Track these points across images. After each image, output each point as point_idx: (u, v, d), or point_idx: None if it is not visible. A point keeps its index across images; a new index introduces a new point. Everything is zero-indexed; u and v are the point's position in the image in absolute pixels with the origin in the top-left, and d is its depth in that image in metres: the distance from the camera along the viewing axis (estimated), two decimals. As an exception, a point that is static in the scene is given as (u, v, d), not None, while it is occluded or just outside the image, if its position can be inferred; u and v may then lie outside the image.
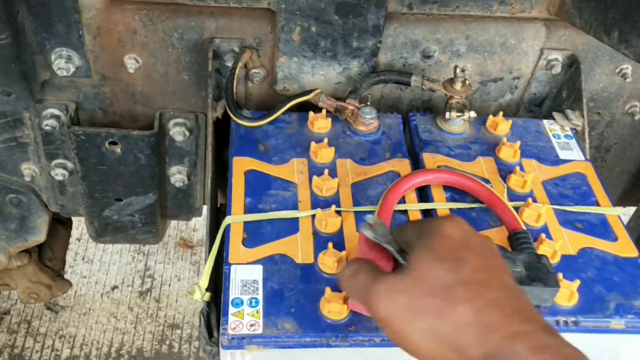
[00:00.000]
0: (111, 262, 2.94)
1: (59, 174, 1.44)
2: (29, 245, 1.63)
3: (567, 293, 1.00)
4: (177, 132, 1.39)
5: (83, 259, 2.94)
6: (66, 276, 1.97)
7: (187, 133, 1.40)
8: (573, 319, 1.00)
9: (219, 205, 1.35)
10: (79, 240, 2.99)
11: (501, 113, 1.32)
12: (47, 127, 1.35)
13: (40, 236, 1.60)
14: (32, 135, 1.40)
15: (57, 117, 1.35)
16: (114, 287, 2.85)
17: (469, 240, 0.79)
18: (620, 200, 1.73)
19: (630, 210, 1.72)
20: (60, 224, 1.81)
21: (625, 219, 1.29)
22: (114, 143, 1.35)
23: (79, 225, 2.99)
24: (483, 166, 1.23)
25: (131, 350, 2.63)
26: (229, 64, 1.30)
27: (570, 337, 0.99)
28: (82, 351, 2.60)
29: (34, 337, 2.64)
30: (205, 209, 1.58)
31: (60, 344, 2.62)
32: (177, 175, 1.49)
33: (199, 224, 3.13)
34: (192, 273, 2.94)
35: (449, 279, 0.74)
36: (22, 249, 1.65)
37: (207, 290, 1.10)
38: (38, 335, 2.65)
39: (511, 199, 1.16)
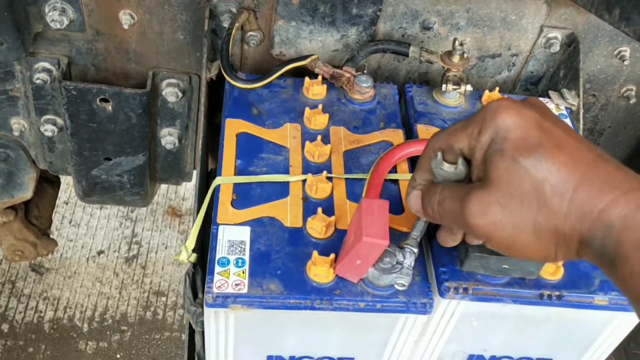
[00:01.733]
0: (98, 226, 2.93)
1: (48, 129, 1.43)
2: (15, 202, 1.62)
3: (553, 267, 1.00)
4: (170, 92, 1.38)
5: (70, 222, 2.92)
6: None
7: (180, 94, 1.39)
8: (557, 293, 1.00)
9: (209, 170, 1.34)
10: (67, 203, 2.97)
11: (497, 89, 1.31)
12: (38, 81, 1.33)
13: (27, 193, 1.59)
14: (22, 89, 1.38)
15: (48, 71, 1.33)
16: (100, 252, 2.84)
17: (537, 126, 0.75)
18: (610, 185, 1.74)
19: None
20: (48, 183, 1.80)
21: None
22: (105, 100, 1.33)
23: (67, 189, 2.98)
24: (476, 140, 1.22)
25: (115, 315, 2.63)
26: (226, 24, 1.28)
27: (555, 311, 1.01)
28: (65, 314, 2.60)
29: (18, 297, 2.63)
30: (195, 174, 1.57)
31: (44, 306, 2.62)
32: (168, 137, 1.47)
33: (188, 193, 3.12)
34: (179, 242, 2.94)
35: (532, 179, 0.72)
36: (8, 205, 1.63)
37: (193, 251, 1.10)
38: (22, 296, 2.64)
39: (503, 174, 1.15)
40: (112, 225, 2.93)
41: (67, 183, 2.88)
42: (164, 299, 2.70)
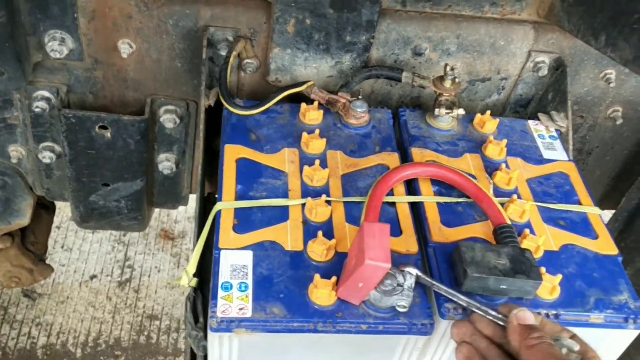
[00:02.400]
0: (91, 251, 2.92)
1: (46, 156, 1.44)
2: (12, 228, 1.62)
3: (549, 287, 1.03)
4: (168, 119, 1.40)
5: (62, 247, 2.91)
6: (46, 263, 1.96)
7: (178, 120, 1.41)
8: (554, 312, 1.02)
9: (206, 194, 1.35)
10: (59, 228, 2.96)
11: (488, 112, 1.34)
12: (37, 109, 1.34)
13: (24, 219, 1.59)
14: (21, 117, 1.39)
15: (47, 100, 1.35)
16: (93, 276, 2.83)
17: None
18: (600, 203, 1.76)
19: (610, 213, 1.76)
20: (43, 209, 1.80)
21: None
22: (104, 127, 1.35)
23: (59, 213, 2.97)
24: (470, 162, 1.26)
25: (109, 339, 2.62)
26: (223, 52, 1.31)
27: (551, 330, 1.03)
28: (58, 339, 2.59)
29: (10, 323, 2.61)
30: (191, 198, 1.58)
31: (36, 332, 2.60)
32: (166, 162, 1.49)
33: (180, 216, 3.12)
34: (172, 265, 2.93)
35: None
36: (5, 232, 1.64)
37: (194, 276, 1.11)
38: (14, 322, 2.62)
39: (496, 195, 1.18)
40: (104, 249, 2.92)
41: (58, 207, 2.87)
42: (157, 322, 2.70)
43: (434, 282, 0.99)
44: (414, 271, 0.99)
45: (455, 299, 0.98)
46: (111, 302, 2.75)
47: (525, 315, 0.90)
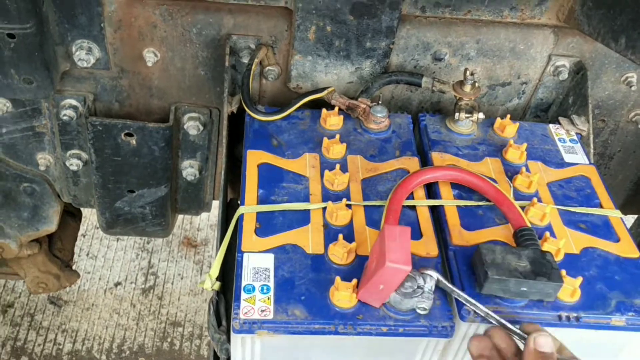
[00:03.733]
0: (115, 258, 2.96)
1: (73, 164, 1.47)
2: (40, 235, 1.66)
3: (570, 289, 1.03)
4: (192, 126, 1.42)
5: (87, 254, 2.96)
6: (72, 269, 2.00)
7: (201, 127, 1.43)
8: (575, 314, 1.02)
9: (229, 200, 1.37)
10: (84, 236, 3.01)
11: (509, 116, 1.35)
12: (64, 117, 1.38)
13: (51, 226, 1.63)
14: (49, 125, 1.43)
15: (74, 108, 1.38)
16: (117, 284, 2.87)
17: None
18: (622, 208, 1.74)
19: (633, 218, 1.75)
20: (70, 216, 1.84)
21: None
22: (129, 135, 1.38)
23: (85, 221, 3.02)
24: (490, 166, 1.26)
25: (132, 346, 2.65)
26: (245, 60, 1.33)
27: (573, 333, 1.03)
28: (84, 346, 2.63)
29: (37, 330, 2.66)
30: (214, 204, 1.61)
31: (62, 338, 2.64)
32: (189, 169, 1.52)
33: (203, 223, 3.16)
34: (195, 272, 2.96)
35: None
36: (33, 238, 1.67)
37: (216, 279, 1.13)
38: (41, 328, 2.67)
39: (517, 199, 1.19)
40: (128, 257, 2.96)
41: (84, 216, 2.92)
42: (180, 329, 2.72)
43: (454, 289, 1.00)
44: (435, 274, 0.99)
45: (474, 308, 0.98)
46: (135, 309, 2.78)
47: (544, 342, 0.88)
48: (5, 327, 2.65)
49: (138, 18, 1.27)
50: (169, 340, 2.70)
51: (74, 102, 1.38)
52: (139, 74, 1.37)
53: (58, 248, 1.82)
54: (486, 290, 1.00)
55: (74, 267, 2.73)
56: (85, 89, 1.39)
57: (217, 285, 1.13)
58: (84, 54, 1.29)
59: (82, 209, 1.86)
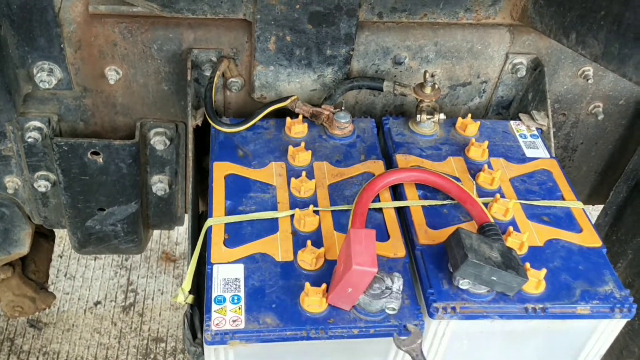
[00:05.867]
0: (93, 277, 2.94)
1: (41, 185, 1.47)
2: (12, 258, 1.65)
3: (535, 281, 1.05)
4: (158, 141, 1.43)
5: (65, 275, 2.93)
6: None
7: (168, 142, 1.44)
8: (541, 305, 1.05)
9: (200, 213, 1.38)
10: (61, 256, 2.99)
11: (470, 115, 1.37)
12: (30, 140, 1.38)
13: (23, 249, 1.62)
14: (14, 148, 1.43)
15: (39, 130, 1.38)
16: (97, 303, 2.85)
17: None
18: (588, 199, 1.79)
19: (599, 208, 1.78)
20: (42, 237, 1.83)
21: (594, 218, 1.35)
22: (96, 153, 1.38)
23: (61, 242, 2.99)
24: (453, 165, 1.28)
25: (115, 364, 2.63)
26: (208, 73, 1.34)
27: (540, 324, 1.05)
28: (66, 367, 2.60)
29: (17, 354, 2.63)
30: (186, 217, 1.61)
31: (43, 361, 2.62)
32: (159, 184, 1.52)
33: (181, 237, 3.14)
34: (175, 286, 2.95)
35: None
36: (5, 262, 1.66)
37: (190, 293, 1.13)
38: (21, 352, 2.64)
39: (480, 196, 1.21)
40: (107, 275, 2.94)
41: (60, 237, 2.90)
42: (163, 345, 2.71)
43: None
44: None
45: None
46: (116, 327, 2.76)
47: None
48: (-15, 353, 2.62)
49: (98, 37, 1.28)
50: (152, 356, 2.69)
51: (38, 123, 1.38)
52: (102, 92, 1.37)
53: (32, 270, 1.81)
54: (461, 273, 1.01)
55: (51, 289, 2.71)
56: (49, 110, 1.39)
57: (190, 298, 1.14)
58: (46, 76, 1.29)
59: (55, 229, 1.84)
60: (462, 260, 1.01)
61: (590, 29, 1.11)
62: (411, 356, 0.98)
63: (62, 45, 1.26)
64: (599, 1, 1.09)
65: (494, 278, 1.02)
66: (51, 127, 1.39)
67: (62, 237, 2.93)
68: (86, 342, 2.69)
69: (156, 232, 3.05)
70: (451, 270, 1.04)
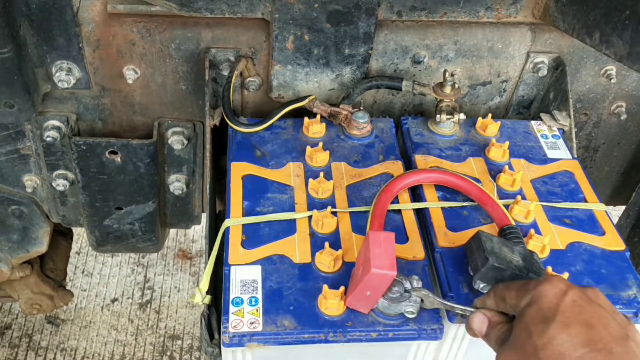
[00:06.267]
0: (111, 274, 2.96)
1: (60, 184, 1.47)
2: (31, 256, 1.66)
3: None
4: (176, 140, 1.43)
5: (83, 272, 2.96)
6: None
7: (185, 141, 1.44)
8: (563, 310, 1.03)
9: (217, 212, 1.38)
10: (79, 253, 3.01)
11: (490, 115, 1.36)
12: (48, 139, 1.38)
13: (42, 247, 1.63)
14: (33, 147, 1.43)
15: (58, 129, 1.38)
16: (114, 300, 2.87)
17: (567, 302, 0.83)
18: (610, 200, 1.77)
19: (621, 209, 1.76)
20: (61, 235, 1.84)
21: (616, 218, 1.33)
22: (114, 152, 1.38)
23: (78, 239, 3.01)
24: (473, 166, 1.27)
25: (132, 361, 2.65)
26: (225, 73, 1.34)
27: (561, 328, 1.03)
28: (83, 364, 2.62)
29: (36, 350, 2.65)
30: (204, 217, 1.61)
31: (61, 357, 2.64)
32: (176, 183, 1.52)
33: (197, 235, 3.15)
34: (191, 284, 2.96)
35: (535, 343, 0.81)
36: (24, 260, 1.67)
37: (207, 293, 1.13)
38: (39, 349, 2.66)
39: (501, 197, 1.19)
40: (124, 272, 2.96)
41: (77, 234, 2.92)
42: (179, 342, 2.72)
43: (444, 302, 1.00)
44: (425, 292, 1.00)
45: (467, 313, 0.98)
46: (133, 324, 2.78)
47: (472, 321, 0.94)
48: (4, 349, 2.64)
49: (116, 36, 1.28)
50: (168, 353, 2.70)
51: (56, 123, 1.38)
52: (120, 91, 1.37)
53: (50, 268, 1.82)
54: (480, 276, 0.99)
55: (69, 286, 2.73)
56: (68, 109, 1.39)
57: (207, 299, 1.13)
58: (64, 75, 1.29)
59: (73, 227, 1.86)
60: (483, 264, 0.99)
61: (614, 28, 1.09)
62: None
63: (80, 45, 1.26)
64: (624, 0, 1.07)
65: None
66: (69, 126, 1.39)
67: (80, 234, 2.95)
68: (103, 339, 2.71)
69: (172, 230, 3.06)
70: (471, 273, 1.02)
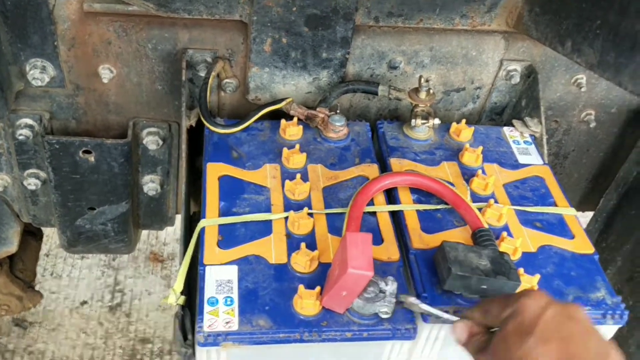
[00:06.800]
0: (80, 277, 2.92)
1: (31, 183, 1.45)
2: (0, 256, 1.63)
3: (528, 287, 1.05)
4: (151, 141, 1.42)
5: (52, 274, 2.91)
6: (35, 290, 1.96)
7: (161, 142, 1.43)
8: (534, 311, 1.05)
9: (191, 213, 1.37)
10: (47, 255, 2.96)
11: (464, 120, 1.38)
12: (20, 137, 1.36)
13: (11, 247, 1.60)
14: (5, 145, 1.41)
15: (30, 127, 1.37)
16: (84, 302, 2.82)
17: (546, 317, 0.84)
18: (579, 205, 1.81)
19: (589, 215, 1.80)
20: (30, 235, 1.81)
21: (584, 225, 1.36)
22: (87, 152, 1.37)
23: (47, 241, 2.96)
24: (447, 170, 1.29)
25: (101, 365, 2.61)
26: (202, 74, 1.33)
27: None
28: (51, 367, 2.57)
29: (2, 354, 2.60)
30: (178, 218, 1.60)
31: (28, 361, 2.59)
32: (150, 184, 1.51)
33: (169, 237, 3.13)
34: (162, 287, 2.93)
35: (512, 355, 0.83)
36: (-7, 260, 1.64)
37: (181, 294, 1.12)
38: (6, 352, 2.60)
39: (474, 201, 1.22)
40: (94, 275, 2.91)
41: (47, 235, 2.87)
42: (149, 346, 2.69)
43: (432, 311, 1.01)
44: (413, 299, 1.01)
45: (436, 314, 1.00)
46: (103, 328, 2.74)
47: (454, 329, 0.96)
48: (-31, 352, 2.59)
49: (92, 35, 1.27)
50: (138, 357, 2.67)
51: (29, 121, 1.36)
52: (95, 90, 1.36)
53: (19, 269, 1.79)
54: (448, 286, 1.02)
55: (37, 288, 2.68)
56: (41, 107, 1.37)
57: (181, 299, 1.13)
58: (38, 73, 1.27)
59: (43, 228, 1.83)
60: (447, 274, 1.02)
61: (586, 37, 1.12)
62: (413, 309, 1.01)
63: (55, 43, 1.25)
64: (595, 10, 1.10)
65: (484, 286, 1.02)
66: (43, 124, 1.37)
67: (49, 235, 2.90)
68: (72, 342, 2.67)
69: (144, 233, 3.03)
70: (441, 286, 1.04)
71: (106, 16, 1.25)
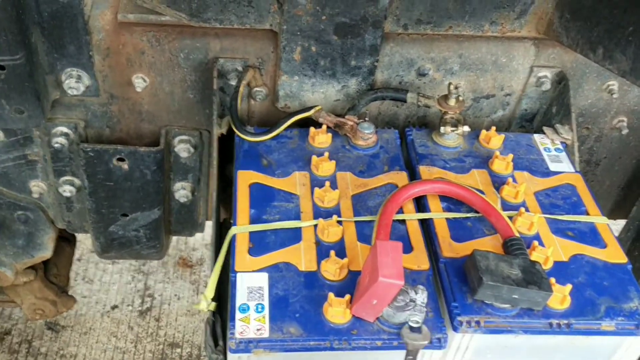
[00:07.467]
0: (111, 282, 2.96)
1: (66, 190, 1.49)
2: (35, 262, 1.67)
3: (560, 297, 1.05)
4: (182, 148, 1.44)
5: (83, 279, 2.96)
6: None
7: (192, 149, 1.45)
8: (565, 321, 1.04)
9: (222, 220, 1.39)
10: (79, 260, 3.01)
11: (494, 127, 1.37)
12: (56, 145, 1.39)
13: (46, 252, 1.64)
14: (41, 153, 1.45)
15: (66, 135, 1.40)
16: (114, 307, 2.87)
17: None
18: (611, 213, 1.78)
19: (621, 223, 1.77)
20: (64, 241, 1.85)
21: (616, 233, 1.34)
22: (121, 159, 1.39)
23: (80, 246, 3.02)
24: (477, 178, 1.28)
25: (131, 369, 2.64)
26: (233, 82, 1.35)
27: (564, 339, 1.05)
28: (82, 370, 2.62)
29: (35, 357, 2.65)
30: (207, 224, 1.62)
31: (60, 364, 2.63)
32: (182, 191, 1.53)
33: (198, 243, 3.16)
34: (191, 292, 2.96)
35: None
36: (28, 265, 1.68)
37: (212, 300, 1.14)
38: (39, 355, 2.66)
39: (504, 209, 1.21)
40: (124, 280, 2.96)
41: (78, 240, 2.92)
42: (179, 350, 2.72)
43: None
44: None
45: None
46: (133, 332, 2.77)
47: None
48: (4, 354, 2.64)
49: (126, 45, 1.29)
50: (167, 361, 2.70)
51: (65, 129, 1.40)
52: (128, 99, 1.39)
53: (54, 274, 1.83)
54: (480, 295, 1.02)
55: (70, 292, 2.73)
56: (76, 116, 1.41)
57: (212, 305, 1.14)
58: (74, 82, 1.30)
59: (76, 233, 1.86)
60: (478, 284, 1.01)
61: (618, 44, 1.11)
62: (407, 349, 0.98)
63: (90, 53, 1.28)
64: (627, 16, 1.09)
65: (516, 296, 1.01)
66: (78, 133, 1.41)
67: (81, 241, 2.95)
68: (103, 346, 2.71)
69: (173, 238, 3.07)
70: (471, 296, 1.04)
71: (140, 26, 1.28)
